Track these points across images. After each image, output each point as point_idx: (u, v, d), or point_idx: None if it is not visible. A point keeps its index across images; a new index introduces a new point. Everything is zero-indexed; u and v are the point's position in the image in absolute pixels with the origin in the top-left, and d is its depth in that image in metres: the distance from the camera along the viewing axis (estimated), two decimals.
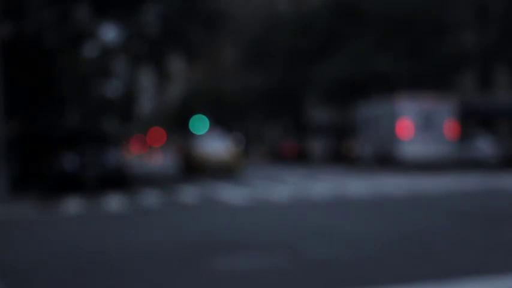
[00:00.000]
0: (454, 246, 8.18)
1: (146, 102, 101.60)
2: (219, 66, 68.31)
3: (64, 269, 7.50)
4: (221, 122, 54.25)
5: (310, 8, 43.76)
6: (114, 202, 15.49)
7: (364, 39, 35.87)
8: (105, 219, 12.47)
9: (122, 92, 53.99)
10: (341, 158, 38.10)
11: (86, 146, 19.49)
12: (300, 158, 43.29)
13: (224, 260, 7.65)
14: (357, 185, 18.23)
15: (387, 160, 29.14)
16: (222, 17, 26.15)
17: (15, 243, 9.98)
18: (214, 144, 25.96)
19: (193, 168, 25.56)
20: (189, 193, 17.28)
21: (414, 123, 28.40)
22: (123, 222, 12.03)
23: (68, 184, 18.49)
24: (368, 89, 37.32)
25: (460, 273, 6.49)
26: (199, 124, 54.47)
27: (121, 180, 19.11)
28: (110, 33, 29.26)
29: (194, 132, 44.39)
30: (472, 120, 37.86)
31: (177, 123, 70.65)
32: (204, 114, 57.10)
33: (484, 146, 29.04)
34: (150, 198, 16.31)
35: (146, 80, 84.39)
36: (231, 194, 16.81)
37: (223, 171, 24.98)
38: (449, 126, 28.74)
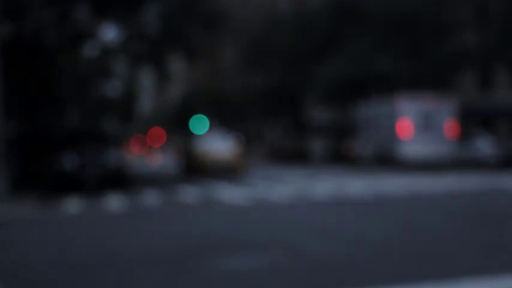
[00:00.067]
0: (454, 246, 8.18)
1: (146, 102, 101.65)
2: (219, 66, 68.33)
3: (64, 269, 7.50)
4: (221, 122, 54.29)
5: (310, 8, 43.78)
6: (114, 202, 15.49)
7: (364, 39, 35.87)
8: (105, 219, 12.47)
9: (122, 92, 54.02)
10: (341, 158, 38.09)
11: (86, 146, 19.49)
12: (300, 158, 43.28)
13: (224, 259, 7.65)
14: (357, 185, 18.23)
15: (387, 160, 29.14)
16: (222, 17, 26.16)
17: (15, 243, 9.99)
18: (216, 144, 25.35)
19: (195, 169, 25.00)
20: (189, 193, 17.28)
21: (414, 123, 28.40)
22: (123, 222, 12.02)
23: (68, 184, 18.49)
24: (368, 89, 37.32)
25: (460, 273, 6.49)
26: (199, 124, 54.49)
27: (121, 180, 19.11)
28: (110, 33, 29.28)
29: (194, 132, 44.41)
30: (472, 120, 37.86)
31: (177, 123, 70.68)
32: (204, 114, 57.12)
33: (484, 146, 29.04)
34: (150, 198, 16.31)
35: (146, 80, 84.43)
36: (231, 194, 16.81)
37: (226, 172, 24.45)
38: (449, 126, 28.74)
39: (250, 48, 48.96)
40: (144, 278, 6.85)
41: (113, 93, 51.33)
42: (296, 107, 49.64)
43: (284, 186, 18.76)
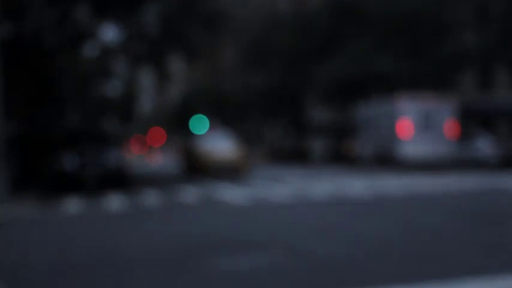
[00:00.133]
0: (454, 246, 8.18)
1: (146, 102, 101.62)
2: (219, 66, 68.33)
3: (64, 269, 7.50)
4: (222, 121, 54.29)
5: (310, 8, 43.78)
6: (114, 202, 15.49)
7: (364, 39, 35.88)
8: (105, 219, 12.47)
9: (122, 92, 54.01)
10: (341, 158, 38.11)
11: (86, 146, 19.49)
12: (300, 158, 43.30)
13: (224, 259, 7.65)
14: (357, 185, 18.23)
15: (387, 160, 29.14)
16: (222, 17, 26.16)
17: (15, 243, 9.98)
18: (218, 144, 24.90)
19: (197, 169, 24.58)
20: (189, 193, 17.28)
21: (414, 123, 28.41)
22: (123, 222, 12.02)
23: (68, 184, 18.49)
24: (368, 89, 37.33)
25: (460, 273, 6.49)
26: (199, 124, 54.48)
27: (121, 180, 19.10)
28: (110, 33, 29.26)
29: (194, 132, 44.37)
30: (472, 120, 37.87)
31: (177, 123, 70.71)
32: (204, 114, 57.12)
33: (484, 146, 29.04)
34: (150, 198, 16.31)
35: (146, 80, 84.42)
36: (231, 194, 16.81)
37: (229, 172, 24.04)
38: (449, 126, 28.74)
39: (250, 48, 48.96)
40: (144, 278, 6.85)
41: (113, 93, 51.32)
42: (296, 107, 49.65)
43: (284, 186, 18.76)
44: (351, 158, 35.86)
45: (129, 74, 49.25)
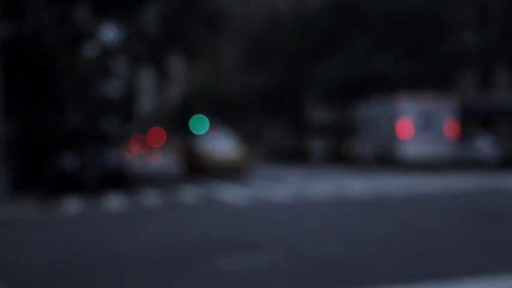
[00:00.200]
0: (454, 246, 8.18)
1: (146, 102, 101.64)
2: (219, 66, 68.35)
3: (64, 269, 7.50)
4: (222, 121, 54.31)
5: (310, 8, 43.79)
6: (114, 202, 15.49)
7: (364, 39, 35.88)
8: (105, 219, 12.47)
9: (122, 92, 54.01)
10: (341, 158, 38.11)
11: (86, 146, 19.49)
12: (300, 158, 43.30)
13: (224, 259, 7.65)
14: (357, 185, 18.23)
15: (387, 160, 29.14)
16: (222, 17, 26.16)
17: (15, 243, 9.98)
18: (220, 144, 24.67)
19: (199, 169, 24.31)
20: (190, 193, 17.28)
21: (414, 123, 28.41)
22: (123, 222, 12.02)
23: (68, 184, 18.48)
24: (368, 89, 37.33)
25: (460, 273, 6.49)
26: (199, 124, 54.49)
27: (121, 180, 19.10)
28: (110, 33, 29.27)
29: (194, 132, 44.37)
30: (472, 120, 37.87)
31: (177, 123, 70.73)
32: (204, 114, 57.13)
33: (484, 146, 29.04)
34: (150, 198, 16.31)
35: (146, 80, 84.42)
36: (231, 194, 16.81)
37: (231, 172, 23.82)
38: (449, 126, 28.74)
39: (250, 48, 48.98)
40: (144, 278, 6.85)
41: (113, 93, 51.33)
42: (296, 107, 49.66)
43: (284, 186, 18.76)
44: (351, 158, 35.86)
45: (129, 74, 49.26)
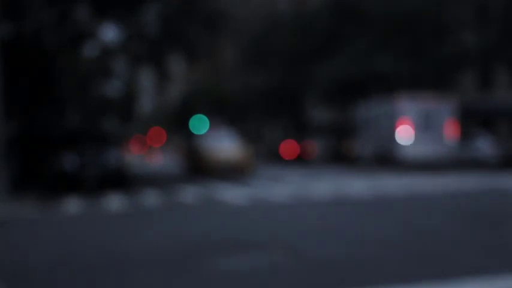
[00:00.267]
0: (454, 246, 8.18)
1: (146, 102, 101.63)
2: (219, 66, 68.35)
3: (64, 269, 7.50)
4: (223, 121, 54.31)
5: (310, 8, 43.79)
6: (114, 202, 15.49)
7: (364, 39, 35.88)
8: (105, 219, 12.47)
9: (122, 92, 54.01)
10: (341, 158, 38.11)
11: (86, 146, 19.48)
12: (300, 158, 43.28)
13: (224, 259, 7.65)
14: (357, 185, 18.23)
15: (387, 160, 29.14)
16: (222, 17, 26.16)
17: (15, 243, 9.98)
18: (223, 143, 24.42)
19: (200, 169, 24.07)
20: (190, 193, 17.27)
21: (414, 123, 28.40)
22: (123, 222, 12.02)
23: (68, 184, 18.48)
24: (368, 89, 37.33)
25: (460, 273, 6.49)
26: (199, 124, 54.47)
27: (121, 180, 19.10)
28: (110, 33, 29.27)
29: (194, 132, 44.34)
30: (472, 120, 37.88)
31: (177, 123, 70.72)
32: (204, 114, 57.12)
33: (484, 146, 29.05)
34: (150, 198, 16.31)
35: (146, 80, 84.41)
36: (231, 194, 16.81)
37: (234, 172, 23.60)
38: (449, 126, 28.74)
39: (250, 48, 48.97)
40: (144, 278, 6.85)
41: (113, 93, 51.34)
42: (296, 107, 49.66)
43: (284, 186, 18.76)
44: (351, 158, 35.86)
45: (129, 74, 49.26)
